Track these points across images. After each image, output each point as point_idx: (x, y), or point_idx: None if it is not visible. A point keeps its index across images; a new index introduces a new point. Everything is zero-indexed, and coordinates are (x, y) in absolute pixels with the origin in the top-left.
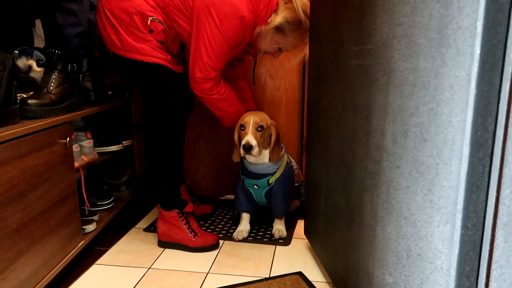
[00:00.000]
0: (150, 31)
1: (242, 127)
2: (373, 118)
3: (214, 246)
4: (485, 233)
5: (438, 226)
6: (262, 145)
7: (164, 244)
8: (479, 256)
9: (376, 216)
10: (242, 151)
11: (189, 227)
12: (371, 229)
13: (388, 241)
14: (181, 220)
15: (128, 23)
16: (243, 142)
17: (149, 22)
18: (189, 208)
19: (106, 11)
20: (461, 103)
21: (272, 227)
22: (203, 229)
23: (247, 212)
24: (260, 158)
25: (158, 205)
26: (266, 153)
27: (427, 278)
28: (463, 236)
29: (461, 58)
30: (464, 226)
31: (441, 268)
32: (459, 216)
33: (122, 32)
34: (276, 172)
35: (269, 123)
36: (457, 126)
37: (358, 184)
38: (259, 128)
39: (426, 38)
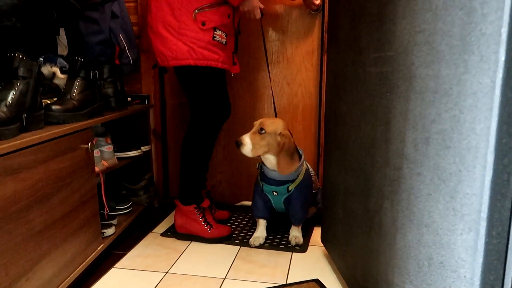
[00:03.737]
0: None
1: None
2: (393, 125)
3: (228, 237)
4: (510, 242)
5: (461, 234)
6: (266, 148)
7: (181, 235)
8: (504, 265)
9: (396, 223)
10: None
11: (205, 221)
12: (390, 236)
13: (409, 249)
14: (197, 214)
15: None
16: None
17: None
18: (205, 203)
19: None
20: (485, 110)
21: (288, 234)
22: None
23: (264, 218)
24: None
25: (177, 199)
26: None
27: (450, 287)
28: (487, 244)
29: (485, 65)
30: (489, 234)
31: (465, 277)
32: (483, 224)
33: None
34: (296, 179)
35: (278, 130)
36: (481, 133)
37: (377, 191)
38: (260, 131)
39: (448, 45)
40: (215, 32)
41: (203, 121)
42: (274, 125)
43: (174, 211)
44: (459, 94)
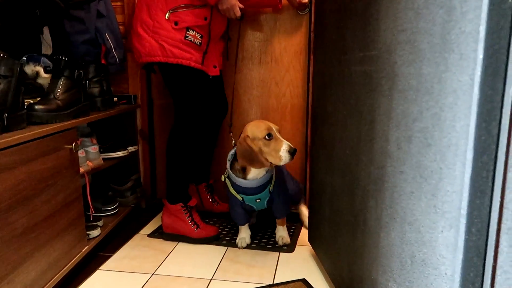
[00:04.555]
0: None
1: (270, 136)
2: (377, 123)
3: (215, 237)
4: (489, 238)
5: (442, 231)
6: None
7: (168, 235)
8: (484, 262)
9: (380, 222)
10: (288, 156)
11: (192, 220)
12: (375, 235)
13: (392, 247)
14: (184, 213)
15: None
16: (287, 148)
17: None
18: (192, 202)
19: None
20: (464, 108)
21: (275, 234)
22: None
23: (247, 223)
24: (261, 171)
25: (164, 199)
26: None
27: (431, 284)
28: (467, 241)
29: (465, 63)
30: (468, 231)
31: (445, 274)
32: (463, 221)
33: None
34: (271, 177)
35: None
36: (461, 130)
37: (362, 190)
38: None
39: (429, 44)
40: (187, 32)
41: (185, 121)
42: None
43: (162, 211)
44: (440, 92)
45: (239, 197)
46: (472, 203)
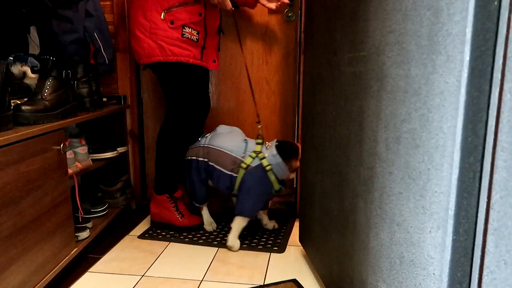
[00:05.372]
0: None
1: None
2: (366, 124)
3: (198, 226)
4: (476, 239)
5: (430, 232)
6: None
7: (155, 224)
8: (471, 262)
9: (369, 222)
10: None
11: (177, 210)
12: (364, 235)
13: (381, 248)
14: (170, 203)
15: None
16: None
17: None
18: (178, 194)
19: None
20: (451, 109)
21: (266, 235)
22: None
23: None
24: None
25: (152, 189)
26: None
27: (420, 284)
28: (454, 242)
29: (451, 64)
30: (456, 232)
31: (433, 274)
32: (450, 222)
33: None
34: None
35: None
36: (448, 132)
37: (352, 191)
38: None
39: (417, 45)
40: (183, 30)
41: (178, 117)
42: None
43: (150, 191)
44: (427, 94)
45: (277, 186)
46: (460, 204)
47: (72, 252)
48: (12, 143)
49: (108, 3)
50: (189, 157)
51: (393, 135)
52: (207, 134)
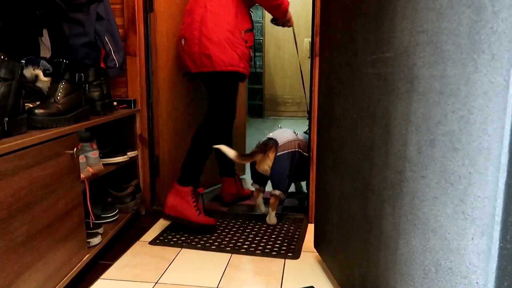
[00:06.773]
0: None
1: None
2: (393, 127)
3: (213, 226)
4: None
5: (472, 238)
6: None
7: (168, 217)
8: None
9: (398, 228)
10: None
11: (196, 205)
12: (392, 241)
13: (413, 255)
14: (192, 196)
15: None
16: None
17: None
18: (201, 190)
19: None
20: (497, 110)
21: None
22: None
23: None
24: None
25: (175, 182)
26: None
27: None
28: (501, 249)
29: (497, 63)
30: (503, 239)
31: (477, 283)
32: (497, 228)
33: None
34: None
35: None
36: (493, 134)
37: (376, 195)
38: None
39: (454, 45)
40: (250, 48)
41: (220, 119)
42: None
43: (168, 193)
44: (467, 94)
45: None
46: (507, 209)
47: (85, 258)
48: (26, 147)
49: (118, 6)
50: (292, 150)
51: (426, 138)
52: (270, 134)
